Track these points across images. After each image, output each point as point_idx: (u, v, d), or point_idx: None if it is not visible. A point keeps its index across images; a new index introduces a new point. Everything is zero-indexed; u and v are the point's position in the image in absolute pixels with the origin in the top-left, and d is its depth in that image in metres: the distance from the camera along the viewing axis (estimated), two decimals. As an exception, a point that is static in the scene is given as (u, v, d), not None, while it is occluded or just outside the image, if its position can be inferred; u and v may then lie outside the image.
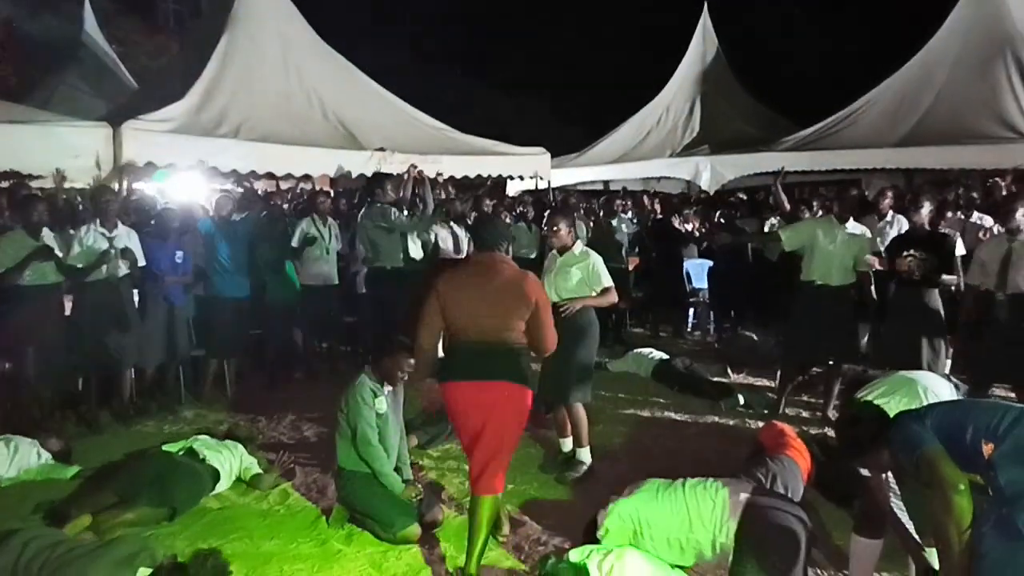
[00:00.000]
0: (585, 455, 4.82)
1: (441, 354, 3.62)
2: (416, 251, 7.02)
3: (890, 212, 6.89)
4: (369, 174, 8.23)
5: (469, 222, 8.14)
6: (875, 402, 3.27)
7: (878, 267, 5.71)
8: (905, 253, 5.43)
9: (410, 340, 3.74)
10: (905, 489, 3.05)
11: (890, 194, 7.11)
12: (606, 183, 13.37)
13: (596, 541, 3.55)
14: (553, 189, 11.30)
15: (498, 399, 3.41)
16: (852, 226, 5.78)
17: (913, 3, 14.31)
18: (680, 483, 3.60)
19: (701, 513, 3.42)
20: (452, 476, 4.86)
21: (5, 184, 8.11)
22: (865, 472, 3.20)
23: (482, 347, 3.41)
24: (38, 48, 17.09)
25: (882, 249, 6.09)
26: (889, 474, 3.10)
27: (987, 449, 2.46)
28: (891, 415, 2.91)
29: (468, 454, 3.55)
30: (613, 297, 4.78)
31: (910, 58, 11.42)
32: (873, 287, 5.89)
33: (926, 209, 5.64)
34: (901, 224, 6.62)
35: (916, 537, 3.16)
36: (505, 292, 3.44)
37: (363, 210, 6.96)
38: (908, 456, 2.65)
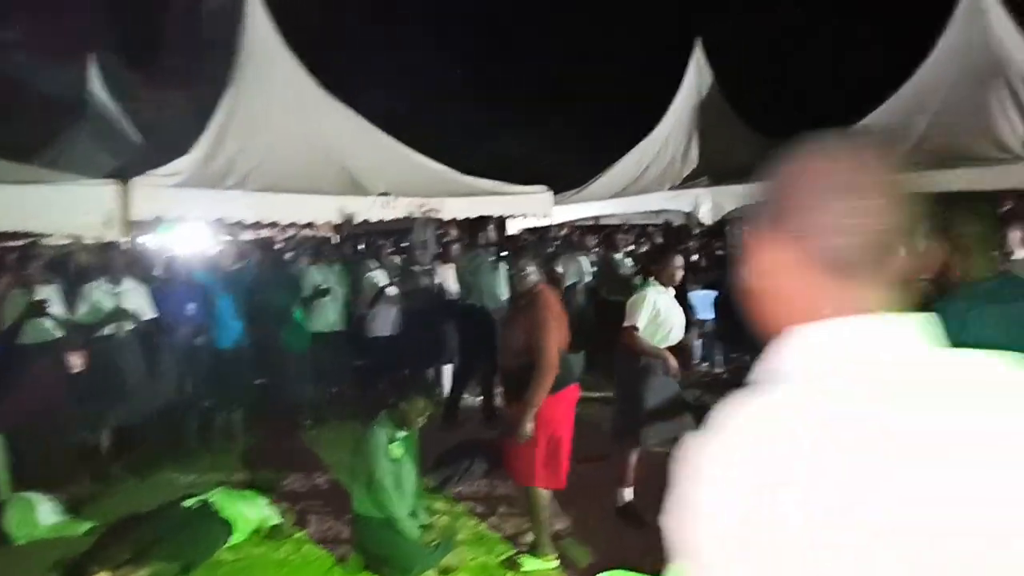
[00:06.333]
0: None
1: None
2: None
3: None
4: (373, 219, 8.35)
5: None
6: None
7: None
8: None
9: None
10: None
11: None
12: (596, 218, 13.41)
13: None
14: (554, 225, 11.39)
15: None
16: None
17: (904, 30, 14.52)
18: None
19: None
20: (466, 519, 4.85)
21: (14, 244, 8.23)
22: None
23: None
24: (44, 106, 17.39)
25: None
26: None
27: None
28: None
29: (561, 452, 4.11)
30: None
31: (903, 83, 11.55)
32: None
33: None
34: None
35: None
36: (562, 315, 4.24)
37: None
38: None
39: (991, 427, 0.73)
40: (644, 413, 4.56)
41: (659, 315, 4.59)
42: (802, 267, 0.85)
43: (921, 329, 0.82)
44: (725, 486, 0.75)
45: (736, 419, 0.79)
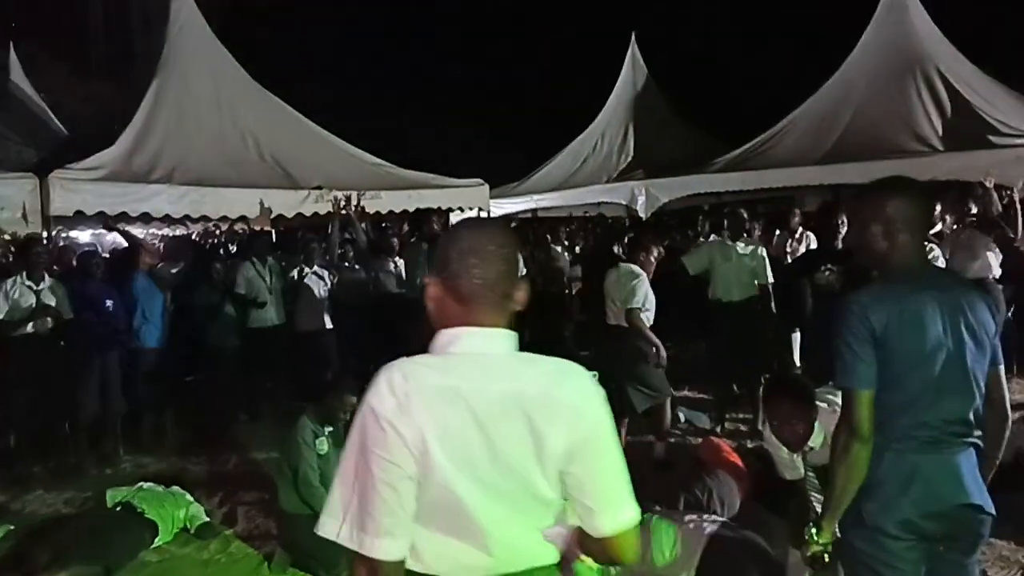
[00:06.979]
0: None
1: None
2: None
3: (800, 229, 7.20)
4: (308, 213, 8.24)
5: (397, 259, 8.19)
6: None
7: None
8: (823, 268, 5.61)
9: None
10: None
11: (798, 212, 7.44)
12: (534, 211, 13.48)
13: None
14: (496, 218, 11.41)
15: None
16: (745, 244, 6.15)
17: (829, 25, 14.93)
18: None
19: (663, 548, 3.44)
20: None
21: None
22: (789, 475, 3.32)
23: None
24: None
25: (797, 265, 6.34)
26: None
27: None
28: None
29: None
30: None
31: (829, 78, 11.86)
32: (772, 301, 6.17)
33: (845, 226, 5.88)
34: (810, 241, 6.89)
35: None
36: None
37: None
38: None
39: (501, 392, 1.43)
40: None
41: (649, 298, 4.71)
42: (445, 297, 1.50)
43: (501, 338, 1.49)
44: (379, 407, 1.41)
45: (392, 372, 1.43)
